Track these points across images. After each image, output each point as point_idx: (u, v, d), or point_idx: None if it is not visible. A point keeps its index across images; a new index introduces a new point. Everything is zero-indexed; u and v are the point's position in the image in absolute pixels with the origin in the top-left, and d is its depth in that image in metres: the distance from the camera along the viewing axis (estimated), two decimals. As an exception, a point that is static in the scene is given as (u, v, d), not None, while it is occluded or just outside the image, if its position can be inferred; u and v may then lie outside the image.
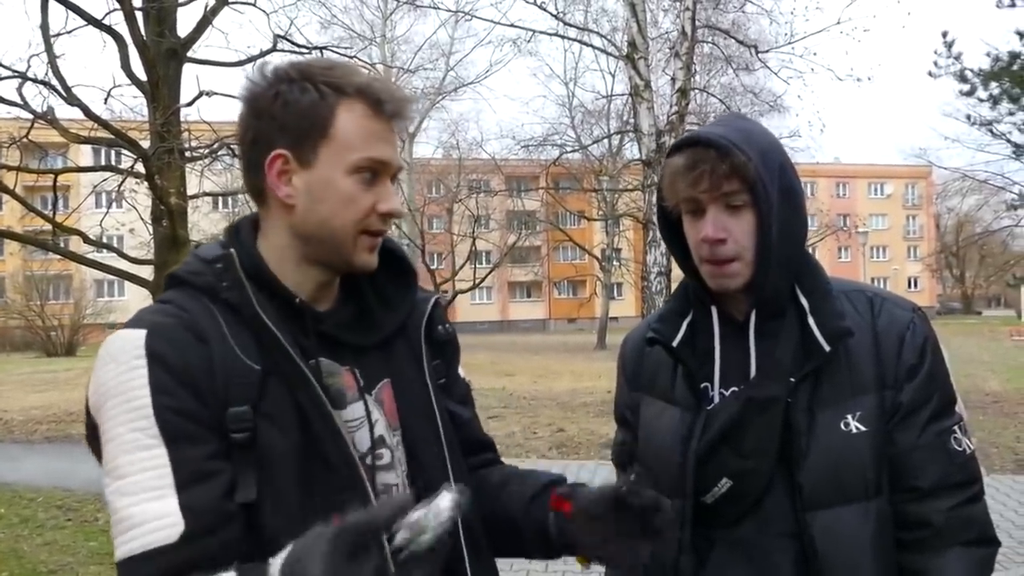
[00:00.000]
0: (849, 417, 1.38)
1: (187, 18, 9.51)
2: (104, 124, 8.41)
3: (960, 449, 1.41)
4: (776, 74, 15.51)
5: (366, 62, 15.69)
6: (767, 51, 14.97)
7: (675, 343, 1.50)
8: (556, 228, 36.47)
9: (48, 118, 8.36)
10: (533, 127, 53.94)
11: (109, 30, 8.53)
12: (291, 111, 1.17)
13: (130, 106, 10.39)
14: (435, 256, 31.41)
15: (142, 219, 9.40)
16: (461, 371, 1.45)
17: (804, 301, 1.43)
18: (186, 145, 8.89)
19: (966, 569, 1.37)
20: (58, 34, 8.56)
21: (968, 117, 14.05)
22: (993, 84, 12.97)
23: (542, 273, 52.15)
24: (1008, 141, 14.35)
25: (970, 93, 13.20)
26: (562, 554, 1.32)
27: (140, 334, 1.10)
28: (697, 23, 11.52)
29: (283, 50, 9.30)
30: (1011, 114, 13.44)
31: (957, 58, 13.04)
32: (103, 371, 1.11)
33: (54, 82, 8.26)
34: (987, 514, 1.44)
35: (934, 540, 1.38)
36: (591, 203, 34.65)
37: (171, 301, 1.18)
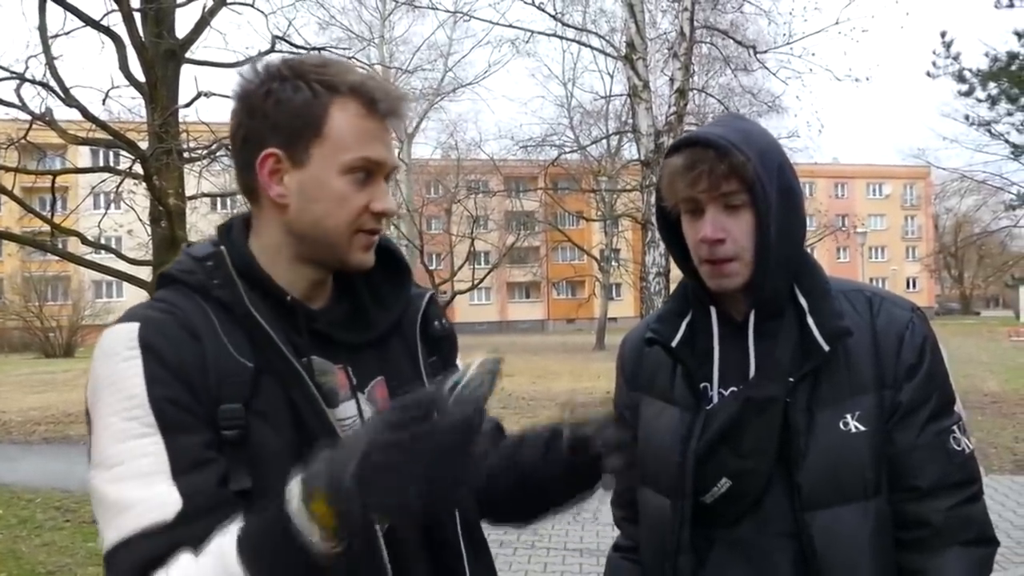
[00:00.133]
0: (848, 417, 1.38)
1: (185, 19, 9.52)
2: (102, 125, 8.42)
3: (959, 449, 1.41)
4: (774, 74, 15.54)
5: (364, 63, 15.70)
6: (765, 51, 14.98)
7: (674, 343, 1.49)
8: (555, 229, 36.47)
9: (46, 119, 8.36)
10: (532, 127, 53.94)
11: (107, 31, 8.54)
12: (283, 110, 1.15)
13: (128, 107, 10.43)
14: (434, 257, 31.41)
15: (140, 220, 9.39)
16: (460, 364, 1.44)
17: (803, 301, 1.43)
18: (184, 146, 8.90)
19: (965, 569, 1.37)
20: (56, 35, 8.57)
21: (967, 117, 14.10)
22: (991, 84, 13.00)
23: (541, 274, 52.13)
24: (1006, 141, 14.38)
25: (968, 93, 13.23)
26: (593, 487, 1.36)
27: (133, 327, 1.10)
28: (695, 24, 11.53)
29: (281, 51, 9.30)
30: (1009, 114, 13.48)
31: (955, 58, 13.08)
32: (97, 366, 1.10)
33: (52, 83, 8.27)
34: (986, 514, 1.43)
35: (933, 540, 1.38)
36: (590, 204, 34.69)
37: (163, 299, 1.17)
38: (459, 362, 1.42)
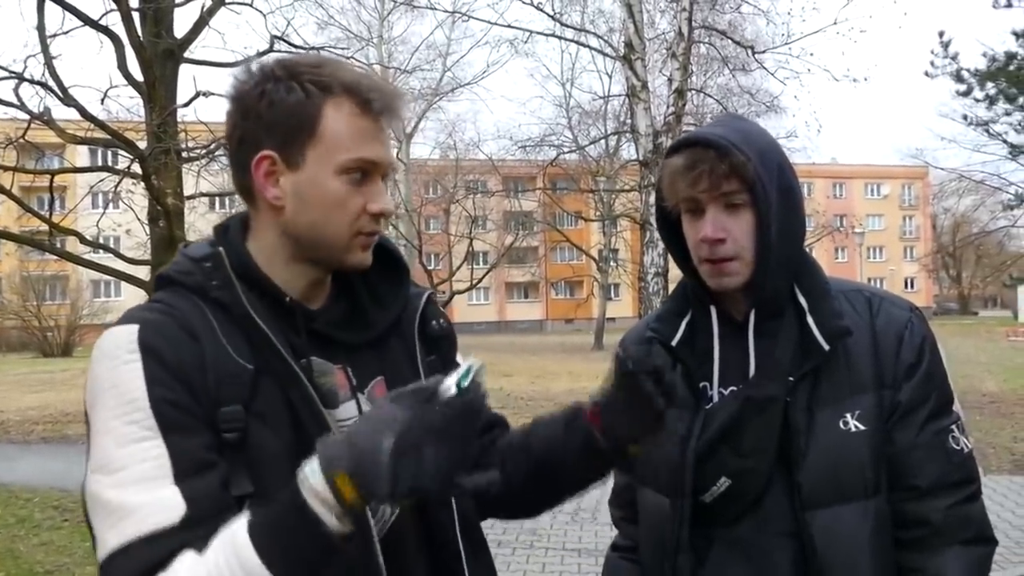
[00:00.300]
0: (848, 416, 1.39)
1: (184, 19, 9.54)
2: (101, 125, 8.41)
3: (958, 448, 1.41)
4: (773, 75, 15.55)
5: (363, 63, 15.69)
6: (764, 52, 14.98)
7: (674, 342, 1.50)
8: (553, 229, 36.48)
9: (45, 119, 8.35)
10: (530, 128, 54.08)
11: (106, 31, 8.53)
12: (277, 111, 1.14)
13: (127, 107, 10.41)
14: (432, 257, 31.36)
15: (139, 220, 9.38)
16: (459, 360, 1.42)
17: (803, 300, 1.43)
18: (183, 146, 8.90)
19: (964, 568, 1.38)
20: (54, 35, 8.56)
21: (965, 117, 14.09)
22: (989, 84, 13.01)
23: (539, 274, 52.11)
24: (1004, 141, 14.39)
25: (966, 93, 13.24)
26: (614, 462, 1.31)
27: (132, 328, 1.09)
28: (694, 24, 11.54)
29: (280, 51, 9.30)
30: (1007, 114, 13.49)
31: (953, 58, 13.09)
32: (96, 368, 1.09)
33: (51, 83, 8.26)
34: (985, 513, 1.44)
35: (932, 539, 1.38)
36: (588, 204, 34.73)
37: (161, 300, 1.16)
38: (459, 358, 1.42)
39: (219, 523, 1.00)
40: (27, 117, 8.35)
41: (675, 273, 1.64)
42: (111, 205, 9.91)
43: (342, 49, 15.91)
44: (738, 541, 1.43)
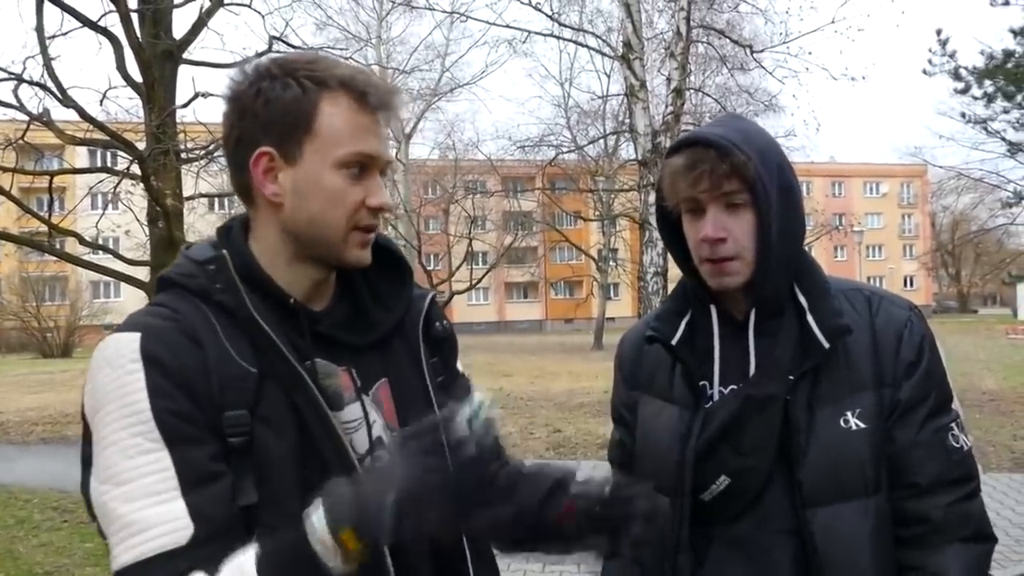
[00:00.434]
0: (848, 414, 1.39)
1: (182, 19, 9.54)
2: (100, 126, 8.40)
3: (958, 446, 1.42)
4: (771, 74, 15.61)
5: (362, 63, 15.69)
6: (762, 51, 14.97)
7: (674, 341, 1.50)
8: (552, 229, 36.48)
9: (44, 120, 8.34)
10: (529, 128, 54.10)
11: (105, 32, 8.52)
12: (273, 108, 1.14)
13: (126, 108, 10.37)
14: (432, 257, 31.36)
15: (138, 220, 9.36)
16: (460, 366, 1.42)
17: (803, 299, 1.44)
18: (182, 146, 8.88)
19: (964, 565, 1.38)
20: (53, 36, 8.54)
21: (963, 115, 14.06)
22: (987, 82, 13.00)
23: (539, 274, 52.11)
24: (1003, 139, 14.37)
25: (965, 91, 13.23)
26: (578, 550, 1.24)
27: (135, 337, 1.09)
28: (692, 23, 11.54)
29: (279, 51, 9.28)
30: (1005, 112, 13.47)
31: (951, 56, 13.07)
32: (98, 376, 1.09)
33: (50, 84, 8.25)
34: (984, 510, 1.45)
35: (932, 536, 1.39)
36: (587, 203, 34.73)
37: (164, 304, 1.16)
38: (459, 365, 1.42)
39: (226, 539, 1.01)
40: (26, 118, 8.34)
41: (675, 273, 1.64)
42: (110, 206, 9.90)
43: (340, 50, 15.93)
44: (738, 539, 1.43)
